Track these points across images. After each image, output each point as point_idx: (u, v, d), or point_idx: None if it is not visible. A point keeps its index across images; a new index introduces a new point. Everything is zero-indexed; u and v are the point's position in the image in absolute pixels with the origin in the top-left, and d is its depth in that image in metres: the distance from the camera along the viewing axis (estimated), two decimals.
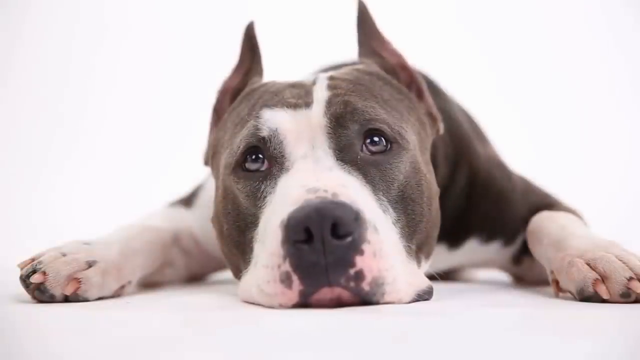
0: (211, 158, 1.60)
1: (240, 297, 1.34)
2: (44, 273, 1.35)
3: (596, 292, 1.29)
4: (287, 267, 1.18)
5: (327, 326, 1.05)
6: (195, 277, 1.93)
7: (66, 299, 1.36)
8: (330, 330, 1.03)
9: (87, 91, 3.81)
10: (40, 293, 1.35)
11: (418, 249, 1.37)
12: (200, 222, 1.81)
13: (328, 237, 1.15)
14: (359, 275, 1.17)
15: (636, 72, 3.78)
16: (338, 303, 1.19)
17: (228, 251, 1.44)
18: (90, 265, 1.40)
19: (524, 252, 1.76)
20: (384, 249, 1.21)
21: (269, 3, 3.67)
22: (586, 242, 1.43)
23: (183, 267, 1.85)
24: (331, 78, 1.48)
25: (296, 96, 1.43)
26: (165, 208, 1.97)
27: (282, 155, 1.35)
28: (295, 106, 1.40)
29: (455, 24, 3.87)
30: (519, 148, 2.85)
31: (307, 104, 1.40)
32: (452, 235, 1.74)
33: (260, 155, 1.37)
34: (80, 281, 1.37)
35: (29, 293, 1.36)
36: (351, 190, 1.25)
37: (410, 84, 1.62)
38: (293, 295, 1.18)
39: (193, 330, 1.07)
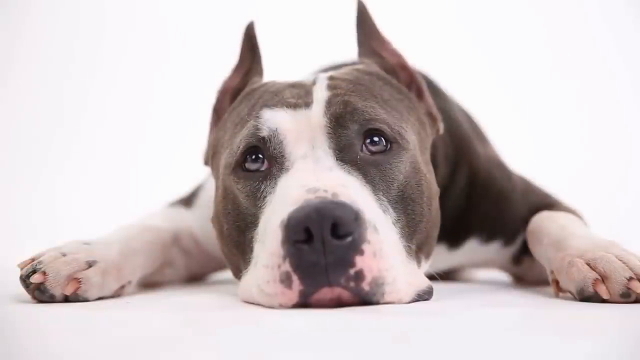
0: (211, 158, 1.60)
1: (240, 297, 1.35)
2: (44, 273, 1.35)
3: (596, 292, 1.29)
4: (287, 267, 1.18)
5: (327, 326, 1.05)
6: (195, 277, 1.93)
7: (66, 299, 1.36)
8: (330, 330, 1.03)
9: (87, 91, 3.81)
10: (40, 293, 1.35)
11: (418, 249, 1.37)
12: (200, 222, 1.81)
13: (328, 237, 1.15)
14: (359, 275, 1.17)
15: (636, 72, 3.78)
16: (338, 303, 1.19)
17: (228, 251, 1.44)
18: (90, 265, 1.40)
19: (524, 252, 1.76)
20: (384, 249, 1.21)
21: (269, 3, 3.67)
22: (586, 242, 1.43)
23: (183, 267, 1.85)
24: (331, 78, 1.48)
25: (296, 96, 1.43)
26: (165, 208, 1.97)
27: (282, 155, 1.35)
28: (295, 106, 1.40)
29: (455, 24, 3.87)
30: (519, 148, 2.84)
31: (307, 104, 1.40)
32: (452, 235, 1.74)
33: (260, 155, 1.37)
34: (80, 281, 1.37)
35: (29, 293, 1.36)
36: (351, 190, 1.25)
37: (410, 83, 1.61)
38: (293, 295, 1.18)
39: (193, 330, 1.07)
